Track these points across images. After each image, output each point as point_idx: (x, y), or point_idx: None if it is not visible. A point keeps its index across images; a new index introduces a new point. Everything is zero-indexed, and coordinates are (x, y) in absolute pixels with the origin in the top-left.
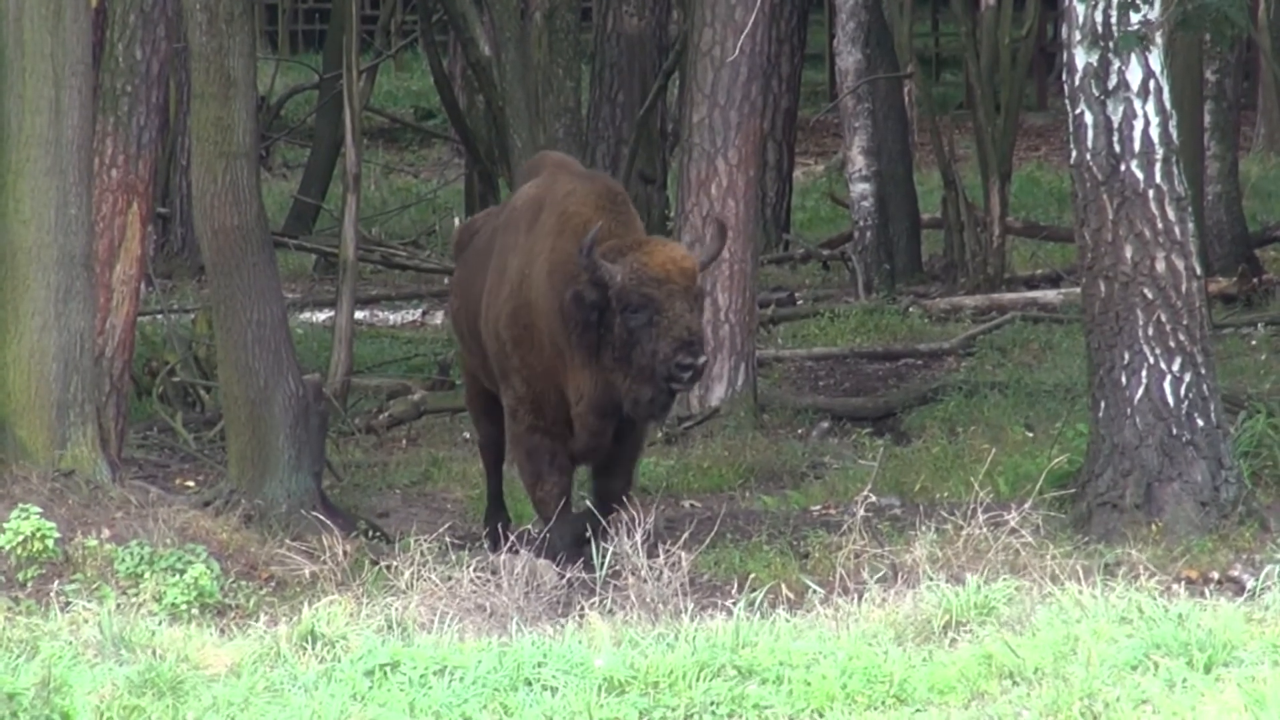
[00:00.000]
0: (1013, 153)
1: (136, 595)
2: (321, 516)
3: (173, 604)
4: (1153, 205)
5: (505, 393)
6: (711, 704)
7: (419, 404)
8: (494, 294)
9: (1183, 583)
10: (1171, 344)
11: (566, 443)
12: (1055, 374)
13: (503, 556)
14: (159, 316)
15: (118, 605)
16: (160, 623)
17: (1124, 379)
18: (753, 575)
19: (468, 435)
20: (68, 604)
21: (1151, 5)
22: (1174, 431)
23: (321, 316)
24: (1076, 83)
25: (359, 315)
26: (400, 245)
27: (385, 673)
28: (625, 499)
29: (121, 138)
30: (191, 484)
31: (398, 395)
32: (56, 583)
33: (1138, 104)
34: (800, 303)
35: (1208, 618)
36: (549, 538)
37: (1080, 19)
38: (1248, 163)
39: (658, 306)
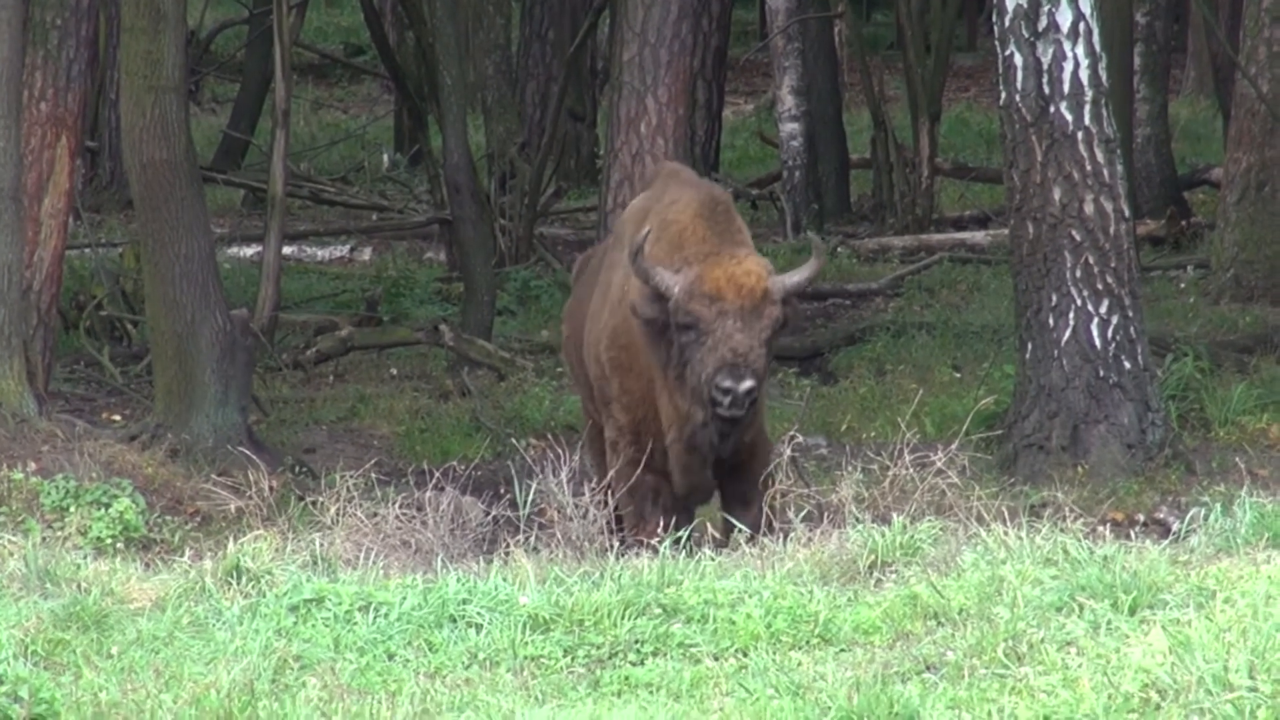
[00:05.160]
0: (942, 94)
1: (62, 529)
2: (247, 452)
3: (98, 538)
4: (1082, 147)
5: (606, 423)
6: (636, 642)
7: (346, 340)
8: (596, 315)
9: (1108, 525)
10: (1099, 286)
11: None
12: (983, 315)
13: (428, 493)
14: (87, 250)
15: (43, 538)
16: (85, 556)
17: (1051, 321)
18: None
19: (395, 371)
20: None
21: None
22: (1101, 374)
23: (249, 252)
24: (1007, 24)
25: (287, 251)
26: (329, 181)
27: (310, 608)
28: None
29: (51, 71)
30: (118, 418)
31: (325, 331)
32: None
33: (1067, 46)
34: None
35: (1133, 560)
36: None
37: None
38: (1177, 105)
39: (705, 325)
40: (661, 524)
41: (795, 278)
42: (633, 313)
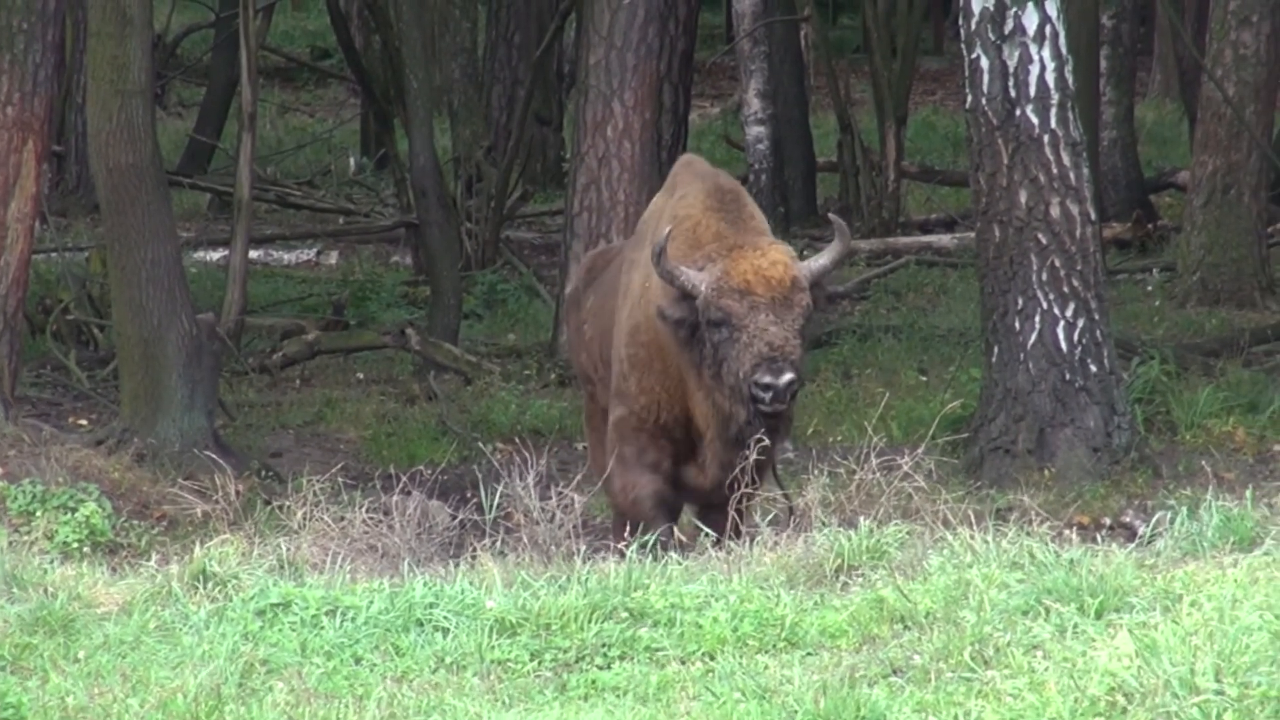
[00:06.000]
0: (909, 97)
1: (28, 533)
2: (214, 456)
3: (65, 542)
4: (1048, 150)
5: (616, 408)
6: (603, 646)
7: (313, 344)
8: (620, 313)
9: (1074, 528)
10: (1065, 289)
11: (680, 467)
12: (949, 318)
13: (395, 497)
14: (53, 254)
15: (9, 543)
16: (52, 561)
17: (1017, 324)
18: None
19: (361, 375)
20: None
21: None
22: (1067, 377)
23: (216, 256)
24: (973, 27)
25: (253, 254)
26: (295, 185)
27: (277, 612)
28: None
29: (17, 75)
30: (84, 422)
31: (291, 335)
32: None
33: (1034, 49)
34: None
35: (1099, 563)
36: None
37: None
38: (1143, 108)
39: (738, 320)
40: (660, 520)
41: (822, 261)
42: (660, 317)
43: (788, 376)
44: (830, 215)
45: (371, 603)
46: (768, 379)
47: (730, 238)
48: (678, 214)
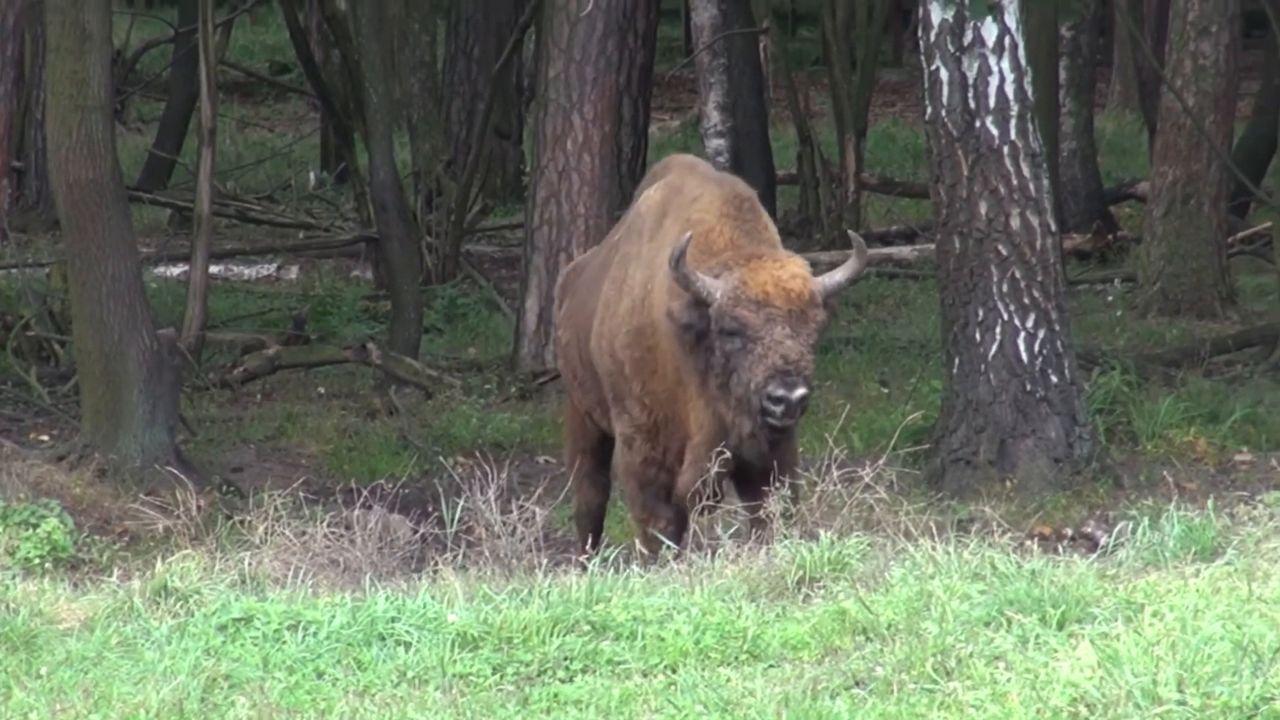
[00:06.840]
0: (868, 109)
1: None
2: (175, 471)
3: (26, 558)
4: (1008, 162)
5: (619, 419)
6: (565, 659)
7: (273, 358)
8: (611, 308)
9: (1036, 539)
10: (1026, 300)
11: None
12: (910, 330)
13: (356, 512)
14: (14, 270)
15: None
16: (13, 577)
17: (978, 335)
18: (607, 530)
19: (322, 390)
20: None
21: None
22: (1028, 388)
23: (176, 271)
24: (932, 39)
25: (214, 270)
26: (255, 199)
27: (239, 627)
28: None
29: None
30: (45, 438)
31: (252, 350)
32: None
33: (993, 60)
34: None
35: (1061, 574)
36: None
37: None
38: (1103, 119)
39: (753, 331)
40: (671, 519)
41: (838, 277)
42: (669, 318)
43: (800, 391)
44: (850, 233)
45: (333, 617)
46: (781, 392)
47: (745, 247)
48: (691, 218)
